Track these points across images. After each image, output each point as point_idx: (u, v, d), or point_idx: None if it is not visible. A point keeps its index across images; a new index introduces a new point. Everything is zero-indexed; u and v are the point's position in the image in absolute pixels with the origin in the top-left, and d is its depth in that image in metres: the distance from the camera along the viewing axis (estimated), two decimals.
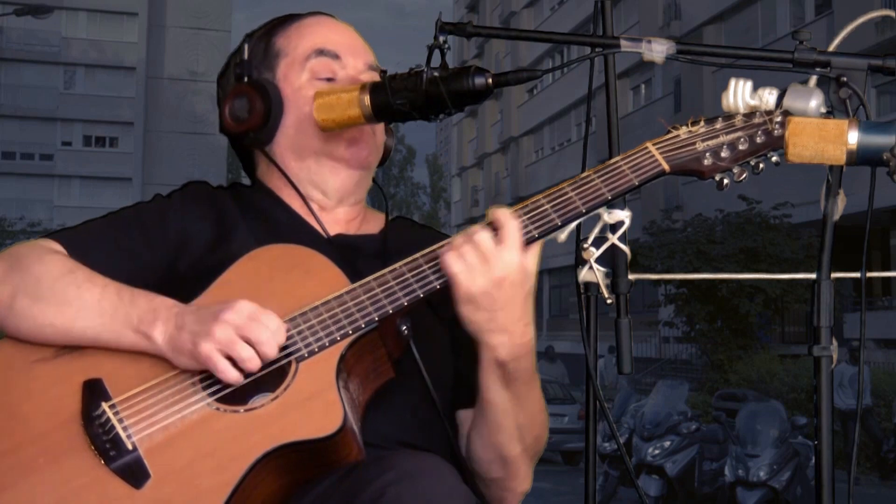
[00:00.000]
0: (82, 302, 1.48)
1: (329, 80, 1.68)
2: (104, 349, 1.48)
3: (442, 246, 1.50)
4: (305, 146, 1.68)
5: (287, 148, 1.69)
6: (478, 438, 1.59)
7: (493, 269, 1.44)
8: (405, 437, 1.55)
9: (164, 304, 1.47)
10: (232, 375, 1.40)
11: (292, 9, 1.85)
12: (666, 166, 1.52)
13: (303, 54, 1.69)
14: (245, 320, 1.40)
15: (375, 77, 1.70)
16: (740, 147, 1.51)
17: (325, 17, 1.77)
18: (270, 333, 1.41)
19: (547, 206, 1.50)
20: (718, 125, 1.53)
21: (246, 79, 1.69)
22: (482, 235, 1.46)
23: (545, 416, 1.62)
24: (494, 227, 1.47)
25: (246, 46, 1.72)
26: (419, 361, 1.54)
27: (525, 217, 1.50)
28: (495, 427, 1.56)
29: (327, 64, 1.69)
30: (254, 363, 1.40)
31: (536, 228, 1.49)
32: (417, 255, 1.51)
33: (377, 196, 1.87)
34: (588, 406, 1.82)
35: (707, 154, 1.51)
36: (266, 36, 1.74)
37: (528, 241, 1.49)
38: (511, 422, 1.55)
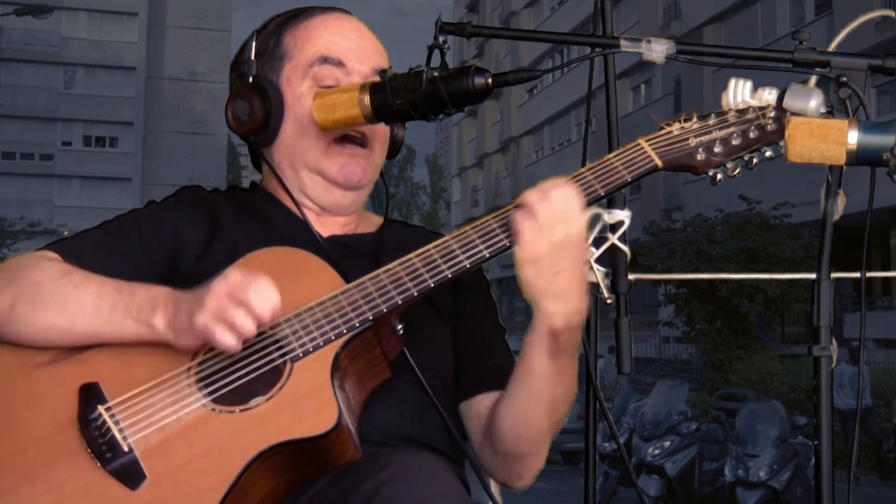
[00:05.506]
0: (81, 300, 1.48)
1: (331, 87, 1.66)
2: (102, 353, 1.48)
3: (438, 244, 1.51)
4: (300, 158, 1.68)
5: (284, 155, 1.69)
6: (508, 413, 1.57)
7: (558, 231, 1.45)
8: (406, 431, 1.55)
9: (162, 292, 1.47)
10: (229, 341, 1.39)
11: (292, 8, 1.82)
12: (658, 162, 1.52)
13: (306, 61, 1.68)
14: (236, 286, 1.40)
15: None
16: (733, 142, 1.52)
17: (335, 17, 1.73)
18: (261, 294, 1.40)
19: None
20: (711, 121, 1.54)
21: (250, 79, 1.68)
22: (557, 194, 1.46)
23: (574, 396, 1.61)
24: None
25: (253, 44, 1.70)
26: (411, 361, 1.54)
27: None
28: (534, 400, 1.55)
29: (330, 72, 1.67)
30: (248, 326, 1.39)
31: None
32: (411, 255, 1.51)
33: (378, 197, 1.87)
34: (588, 406, 1.82)
35: (700, 149, 1.52)
36: (276, 32, 1.72)
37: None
38: (549, 394, 1.54)
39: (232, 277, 1.41)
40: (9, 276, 1.53)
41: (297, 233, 1.65)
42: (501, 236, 1.50)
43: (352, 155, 1.67)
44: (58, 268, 1.53)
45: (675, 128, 1.54)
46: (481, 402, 1.64)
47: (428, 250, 1.51)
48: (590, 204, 1.52)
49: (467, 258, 1.50)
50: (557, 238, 1.45)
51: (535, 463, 1.63)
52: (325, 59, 1.68)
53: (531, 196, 1.47)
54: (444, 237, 1.55)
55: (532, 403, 1.55)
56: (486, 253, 1.50)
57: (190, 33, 44.51)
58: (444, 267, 1.50)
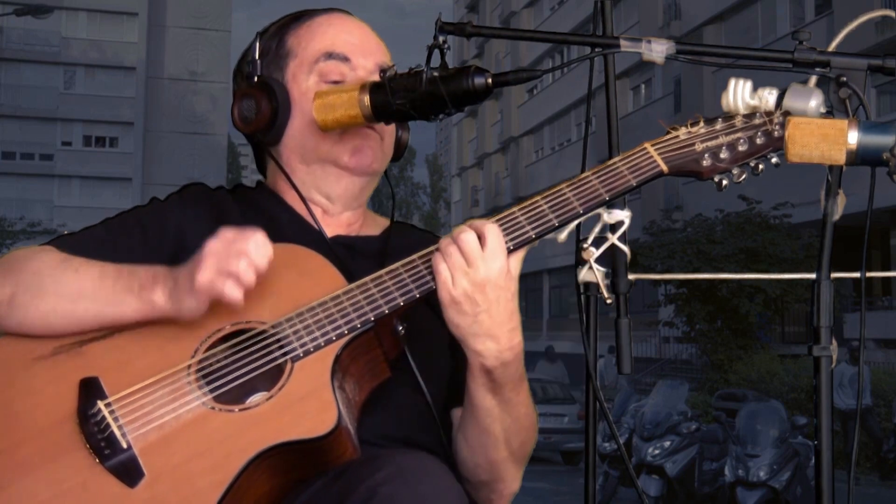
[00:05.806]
0: (82, 282, 1.49)
1: (337, 82, 1.67)
2: (102, 347, 1.48)
3: (436, 247, 1.50)
4: (310, 151, 1.67)
5: (293, 151, 1.69)
6: (464, 442, 1.59)
7: (475, 272, 1.44)
8: (406, 433, 1.55)
9: (162, 269, 1.48)
10: (236, 293, 1.41)
11: (292, 9, 1.83)
12: (664, 167, 1.51)
13: (311, 57, 1.68)
14: (232, 240, 1.42)
15: None
16: (740, 148, 1.50)
17: (337, 16, 1.74)
18: (258, 245, 1.42)
19: (544, 207, 1.50)
20: (718, 126, 1.52)
21: (255, 78, 1.68)
22: (467, 237, 1.45)
23: (533, 419, 1.61)
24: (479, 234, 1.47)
25: (257, 45, 1.71)
26: (412, 364, 1.54)
27: (523, 217, 1.50)
28: (481, 431, 1.55)
29: (336, 67, 1.67)
30: (250, 276, 1.42)
31: (534, 229, 1.49)
32: (414, 256, 1.51)
33: (378, 198, 1.87)
34: (588, 406, 1.82)
35: (706, 155, 1.51)
36: (278, 34, 1.73)
37: (525, 242, 1.49)
38: (498, 426, 1.55)
39: (224, 233, 1.43)
40: (8, 267, 1.53)
41: (302, 232, 1.65)
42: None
43: (365, 136, 1.67)
44: (57, 256, 1.54)
45: (682, 132, 1.52)
46: (454, 416, 1.64)
47: (429, 252, 1.51)
48: (593, 208, 1.51)
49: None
50: (476, 278, 1.44)
51: (505, 488, 1.63)
52: (329, 55, 1.68)
53: (444, 239, 1.48)
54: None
55: (481, 435, 1.56)
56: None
57: (190, 33, 44.51)
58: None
